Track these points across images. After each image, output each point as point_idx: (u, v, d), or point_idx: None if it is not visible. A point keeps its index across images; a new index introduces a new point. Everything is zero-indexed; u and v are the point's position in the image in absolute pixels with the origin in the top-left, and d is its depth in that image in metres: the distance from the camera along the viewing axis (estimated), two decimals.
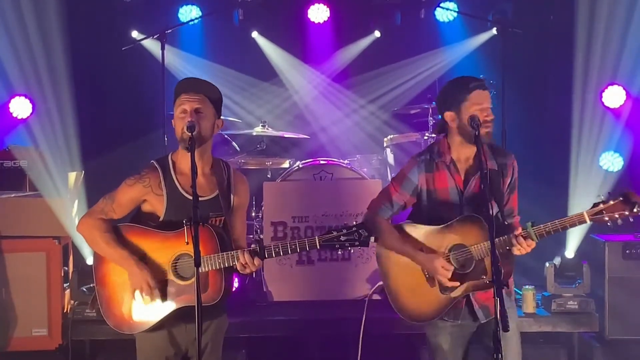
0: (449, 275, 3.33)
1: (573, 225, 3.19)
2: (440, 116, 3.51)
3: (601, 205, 3.14)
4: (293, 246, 3.24)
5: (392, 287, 3.55)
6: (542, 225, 3.22)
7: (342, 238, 3.20)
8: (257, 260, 3.23)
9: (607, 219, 3.14)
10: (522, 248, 3.22)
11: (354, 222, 3.25)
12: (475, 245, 3.30)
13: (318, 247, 3.22)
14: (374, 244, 5.31)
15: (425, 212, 3.50)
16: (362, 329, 3.99)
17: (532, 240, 3.20)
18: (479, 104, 3.36)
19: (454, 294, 3.36)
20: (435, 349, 3.54)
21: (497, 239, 3.21)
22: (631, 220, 3.15)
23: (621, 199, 3.12)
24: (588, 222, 3.17)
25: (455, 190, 3.44)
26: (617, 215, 3.13)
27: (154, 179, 3.34)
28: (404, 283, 3.52)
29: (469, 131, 3.35)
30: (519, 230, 3.26)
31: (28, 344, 5.00)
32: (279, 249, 3.24)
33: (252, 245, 3.26)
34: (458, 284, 3.34)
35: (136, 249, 3.32)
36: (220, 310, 3.45)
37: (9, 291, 5.02)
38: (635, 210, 3.11)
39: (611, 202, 3.12)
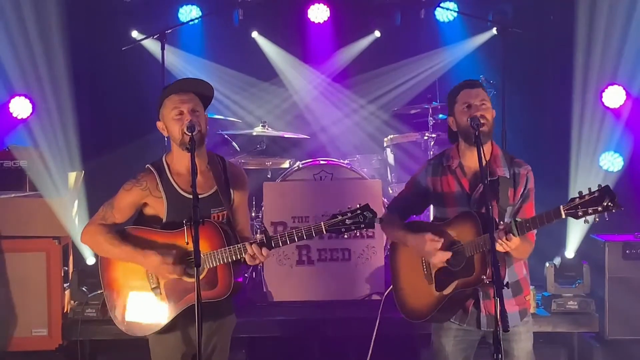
0: (438, 246, 3.32)
1: (550, 219, 3.11)
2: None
3: (577, 200, 3.04)
4: (299, 233, 3.20)
5: (397, 285, 3.61)
6: (523, 220, 3.18)
7: (348, 221, 3.17)
8: (265, 251, 3.21)
9: (581, 214, 3.03)
10: (503, 243, 3.14)
11: (358, 205, 3.21)
12: (467, 242, 3.30)
13: (324, 232, 3.19)
14: (374, 243, 5.33)
15: (440, 215, 3.54)
16: (375, 329, 3.97)
17: (513, 234, 3.13)
18: (465, 102, 3.40)
19: (445, 292, 3.36)
20: (437, 350, 3.55)
21: (482, 236, 3.22)
22: (606, 218, 3.03)
23: (596, 194, 3.01)
24: (563, 216, 3.06)
25: (462, 194, 3.45)
26: (590, 211, 3.02)
27: (151, 182, 3.33)
28: (407, 280, 3.57)
29: (466, 132, 3.40)
30: (502, 225, 3.22)
31: (28, 344, 5.00)
32: (285, 238, 3.22)
33: (258, 236, 3.24)
34: (449, 254, 3.32)
35: (144, 247, 3.30)
36: (230, 310, 3.47)
37: (9, 291, 5.01)
38: (605, 204, 2.98)
39: (586, 197, 3.02)
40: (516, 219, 3.18)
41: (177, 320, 3.31)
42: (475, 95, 3.41)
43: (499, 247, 3.14)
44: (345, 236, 3.24)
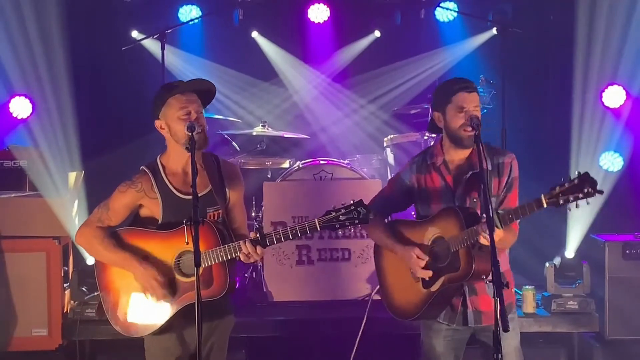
0: (422, 264, 3.35)
1: (532, 209, 3.08)
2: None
3: (557, 189, 3.01)
4: (294, 231, 3.19)
5: (384, 284, 3.62)
6: (505, 212, 3.17)
7: (342, 217, 3.15)
8: (259, 249, 3.21)
9: (562, 202, 2.99)
10: (486, 235, 3.10)
11: (352, 200, 3.20)
12: (451, 237, 3.30)
13: (318, 229, 3.17)
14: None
15: (423, 212, 3.55)
16: (361, 328, 3.98)
17: (496, 225, 3.11)
18: (461, 107, 3.39)
19: (433, 288, 3.36)
20: (428, 351, 3.55)
21: (465, 230, 3.21)
22: (587, 203, 2.99)
23: (576, 181, 2.98)
24: (545, 205, 3.03)
25: (446, 191, 3.45)
26: (571, 198, 2.98)
27: (145, 183, 3.33)
28: (394, 279, 3.57)
29: (455, 135, 3.40)
30: (484, 217, 3.16)
31: (28, 344, 5.00)
32: (279, 235, 3.21)
33: (252, 234, 3.24)
34: (430, 273, 3.34)
35: (138, 251, 3.31)
36: (228, 310, 3.46)
37: (9, 291, 5.01)
38: (586, 191, 2.95)
39: (566, 185, 2.99)
40: (498, 210, 3.18)
41: (173, 320, 3.31)
42: (470, 101, 3.40)
43: (482, 240, 3.13)
44: (340, 232, 3.21)
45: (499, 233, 3.12)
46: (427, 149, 3.63)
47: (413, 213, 4.10)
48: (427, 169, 3.51)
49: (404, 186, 3.58)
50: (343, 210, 3.16)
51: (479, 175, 3.25)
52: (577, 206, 2.99)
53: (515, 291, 3.75)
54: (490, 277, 3.12)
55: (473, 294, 3.42)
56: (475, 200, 3.37)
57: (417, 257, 3.36)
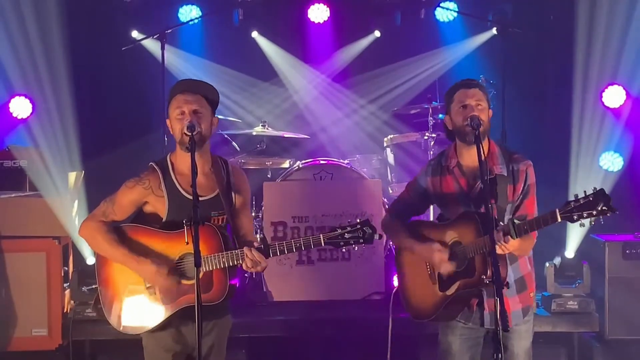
0: (445, 257, 3.34)
1: (547, 222, 3.11)
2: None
3: (572, 204, 3.02)
4: (297, 244, 3.22)
5: (403, 285, 3.64)
6: (521, 222, 3.18)
7: (347, 235, 3.18)
8: (261, 258, 3.21)
9: (576, 217, 3.01)
10: (501, 245, 3.14)
11: (358, 219, 3.22)
12: (469, 243, 3.30)
13: (323, 245, 3.20)
14: (374, 243, 5.32)
15: (442, 214, 3.56)
16: (390, 328, 4.02)
17: (511, 236, 3.12)
18: (461, 102, 3.40)
19: (448, 292, 3.37)
20: (444, 349, 3.56)
21: (482, 238, 3.22)
22: (601, 221, 3.00)
23: (591, 198, 2.99)
24: (559, 219, 3.05)
25: (461, 193, 3.45)
26: (585, 215, 3.00)
27: (153, 181, 3.33)
28: (412, 281, 3.59)
29: (461, 132, 3.40)
30: (500, 225, 3.21)
31: (28, 344, 5.00)
32: (283, 247, 3.23)
33: (255, 244, 3.25)
34: (454, 266, 3.33)
35: (140, 249, 3.31)
36: (225, 311, 3.46)
37: (9, 291, 5.02)
38: (600, 208, 2.96)
39: (581, 201, 3.00)
40: (514, 220, 3.18)
41: (170, 319, 3.31)
42: (471, 96, 3.40)
43: (497, 249, 3.13)
44: (344, 250, 3.24)
45: (514, 243, 3.15)
46: (443, 151, 3.62)
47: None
48: (442, 171, 3.52)
49: (421, 189, 3.59)
50: (349, 229, 3.19)
51: (493, 182, 3.30)
52: (591, 223, 3.00)
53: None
54: (490, 278, 3.14)
55: (490, 296, 3.39)
56: (491, 205, 3.36)
57: (439, 250, 3.36)
